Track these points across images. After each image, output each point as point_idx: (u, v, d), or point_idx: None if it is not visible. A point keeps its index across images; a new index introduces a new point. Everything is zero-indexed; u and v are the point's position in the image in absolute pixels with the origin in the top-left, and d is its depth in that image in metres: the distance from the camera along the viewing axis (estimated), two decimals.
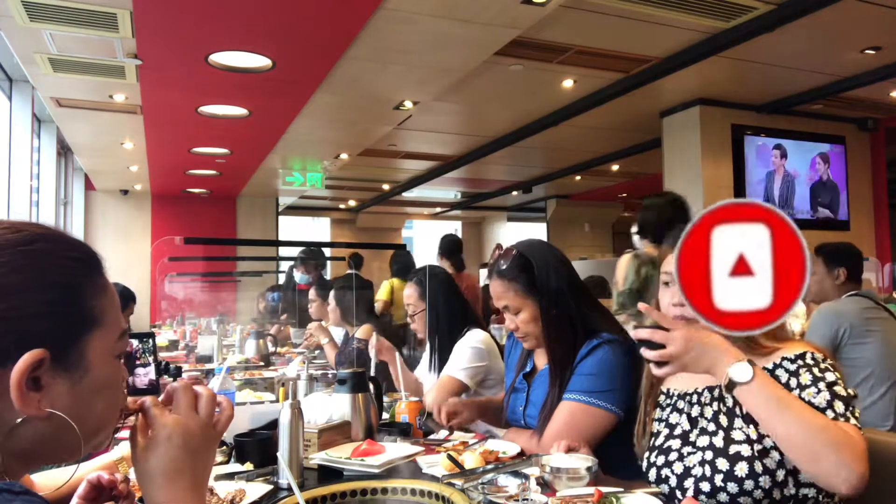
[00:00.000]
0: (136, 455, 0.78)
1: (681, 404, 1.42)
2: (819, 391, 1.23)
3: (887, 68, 5.43)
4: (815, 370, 1.26)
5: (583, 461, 1.42)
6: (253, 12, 3.56)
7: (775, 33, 4.43)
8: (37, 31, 3.79)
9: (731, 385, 1.19)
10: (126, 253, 9.22)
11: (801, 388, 1.25)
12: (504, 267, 1.83)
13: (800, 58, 5.25)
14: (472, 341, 2.42)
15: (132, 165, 7.73)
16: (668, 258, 1.42)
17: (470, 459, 1.53)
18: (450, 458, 1.52)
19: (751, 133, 6.51)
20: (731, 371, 1.18)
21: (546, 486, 1.40)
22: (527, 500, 1.28)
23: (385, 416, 2.10)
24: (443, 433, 1.91)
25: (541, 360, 1.89)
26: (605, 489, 1.32)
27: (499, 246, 2.12)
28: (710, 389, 1.38)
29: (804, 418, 1.16)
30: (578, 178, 10.33)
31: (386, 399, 2.22)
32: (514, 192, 11.58)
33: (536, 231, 13.50)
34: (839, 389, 1.23)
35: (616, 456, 1.59)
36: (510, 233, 14.18)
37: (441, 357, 2.51)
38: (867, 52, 5.13)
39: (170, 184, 8.84)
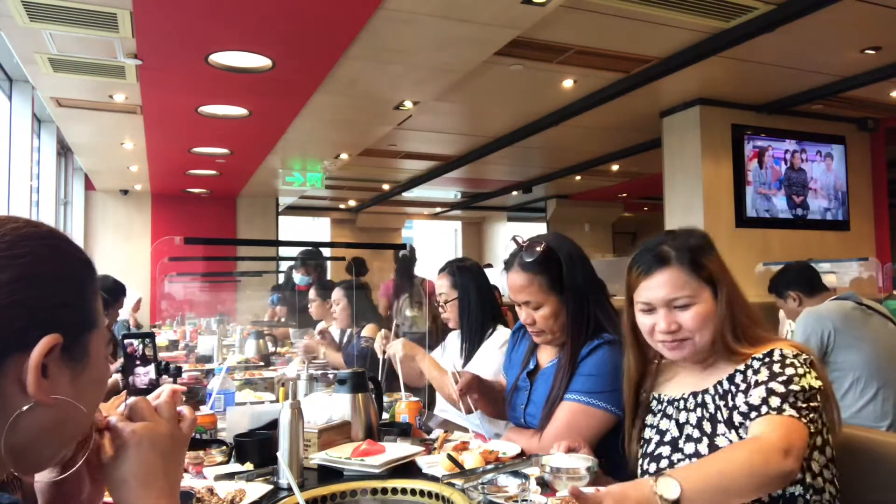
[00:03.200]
0: (106, 465, 0.78)
1: (670, 410, 1.43)
2: (756, 390, 1.25)
3: (887, 68, 5.43)
4: (776, 366, 1.26)
5: (583, 461, 1.42)
6: (253, 12, 3.56)
7: (775, 33, 4.43)
8: (37, 31, 3.79)
9: None
10: (126, 253, 9.22)
11: (748, 387, 1.28)
12: (529, 260, 1.78)
13: (800, 58, 5.25)
14: (500, 342, 2.44)
15: (132, 165, 7.73)
16: (643, 286, 1.39)
17: (470, 459, 1.53)
18: (450, 458, 1.52)
19: (751, 133, 6.51)
20: (661, 487, 1.10)
21: (546, 486, 1.40)
22: (527, 500, 1.28)
23: (385, 416, 2.10)
24: (439, 432, 1.91)
25: (544, 357, 1.88)
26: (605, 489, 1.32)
27: (515, 239, 2.07)
28: (695, 395, 1.39)
29: (734, 472, 1.14)
30: (578, 178, 10.33)
31: (386, 399, 2.23)
32: (514, 192, 11.58)
33: (536, 231, 13.47)
34: (784, 385, 1.23)
35: (616, 456, 1.59)
36: (510, 233, 14.15)
37: (470, 346, 2.52)
38: (867, 52, 5.13)
39: (170, 184, 8.84)
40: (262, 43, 3.99)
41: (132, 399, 0.84)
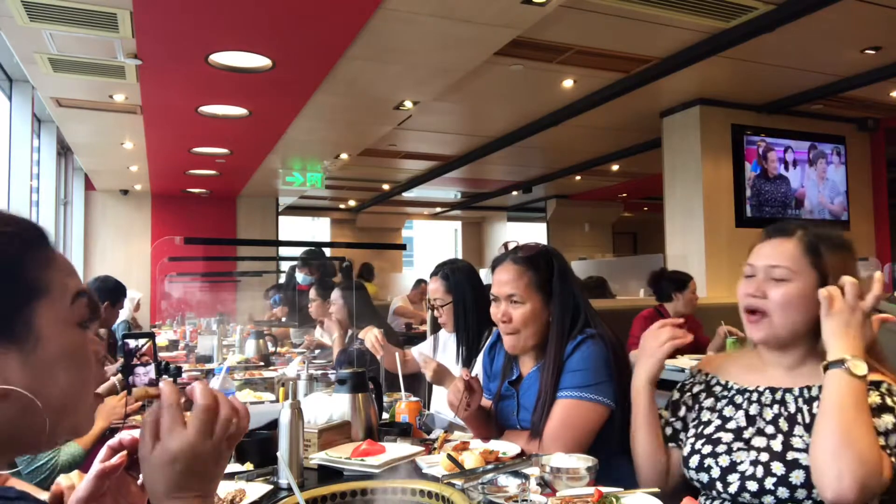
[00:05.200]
0: (143, 462, 0.77)
1: (739, 399, 1.41)
2: (878, 417, 1.21)
3: (887, 68, 5.43)
4: (889, 399, 1.24)
5: (583, 461, 1.42)
6: (253, 12, 3.56)
7: (775, 33, 4.43)
8: (37, 31, 3.79)
9: (837, 363, 1.19)
10: (126, 253, 9.22)
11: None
12: (524, 255, 1.81)
13: (800, 58, 5.24)
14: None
15: (132, 165, 7.73)
16: (757, 250, 1.40)
17: (470, 459, 1.53)
18: (450, 458, 1.52)
19: (751, 133, 6.51)
20: (855, 361, 1.19)
21: (546, 486, 1.40)
22: (526, 500, 1.28)
23: (385, 416, 2.10)
24: (438, 432, 1.91)
25: (525, 366, 1.88)
26: (605, 489, 1.32)
27: (506, 244, 2.06)
28: (773, 391, 1.37)
29: (852, 421, 1.15)
30: (578, 178, 10.33)
31: (386, 399, 2.22)
32: (514, 192, 11.58)
33: (536, 231, 13.51)
34: None
35: (614, 449, 1.59)
36: (510, 233, 14.19)
37: (468, 351, 2.50)
38: (867, 52, 5.13)
39: (170, 184, 8.84)
40: (262, 43, 3.99)
41: (199, 396, 0.78)
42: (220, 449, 0.79)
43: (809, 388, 1.33)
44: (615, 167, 9.45)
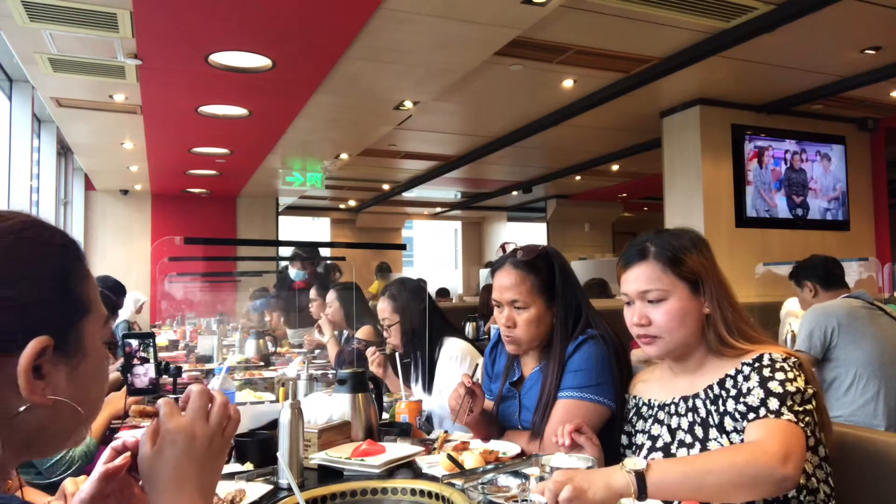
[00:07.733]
0: (142, 459, 0.79)
1: (661, 415, 1.43)
2: (754, 391, 1.24)
3: (887, 68, 5.43)
4: (766, 370, 1.26)
5: (583, 461, 1.42)
6: (253, 12, 3.56)
7: (775, 33, 4.43)
8: (37, 31, 3.79)
9: (640, 476, 1.11)
10: (126, 253, 9.22)
11: (743, 394, 1.26)
12: (525, 259, 1.79)
13: (800, 58, 5.24)
14: (453, 353, 2.42)
15: (132, 165, 7.73)
16: (623, 278, 1.42)
17: (470, 459, 1.53)
18: (450, 458, 1.52)
19: (751, 133, 6.51)
20: (628, 462, 1.13)
21: None
22: (526, 500, 1.28)
23: (385, 416, 2.10)
24: (437, 433, 1.91)
25: (527, 367, 1.88)
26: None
27: (504, 246, 2.07)
28: (685, 399, 1.39)
29: (719, 468, 1.14)
30: (578, 178, 10.33)
31: (386, 399, 2.23)
32: (514, 192, 11.58)
33: (536, 231, 13.51)
34: (781, 386, 1.23)
35: (613, 451, 1.59)
36: (510, 233, 14.19)
37: (422, 369, 2.49)
38: (867, 52, 5.13)
39: (170, 184, 8.84)
40: (262, 43, 3.99)
41: (192, 387, 0.84)
42: (216, 437, 0.81)
43: (711, 388, 1.34)
44: (615, 167, 9.45)
